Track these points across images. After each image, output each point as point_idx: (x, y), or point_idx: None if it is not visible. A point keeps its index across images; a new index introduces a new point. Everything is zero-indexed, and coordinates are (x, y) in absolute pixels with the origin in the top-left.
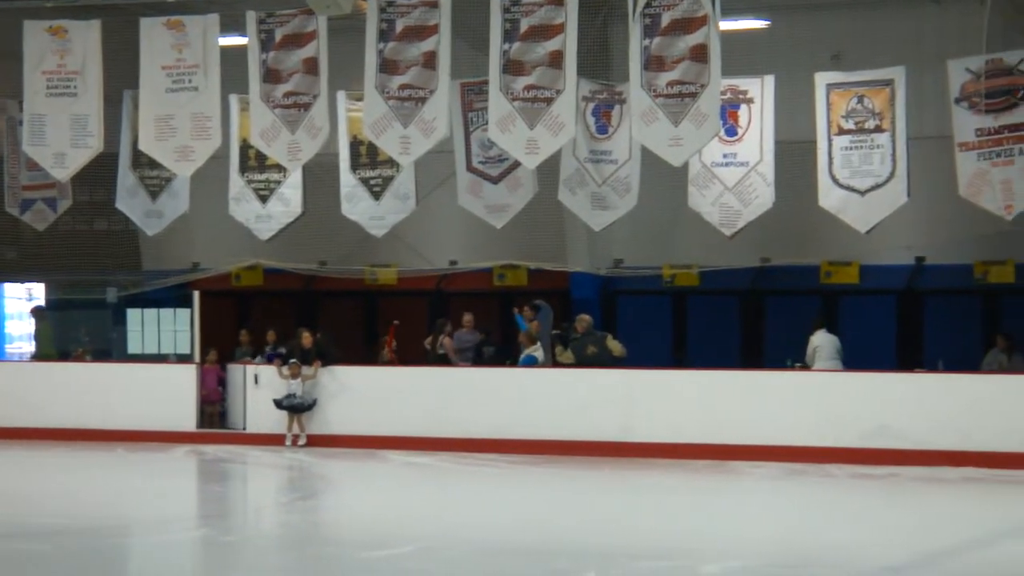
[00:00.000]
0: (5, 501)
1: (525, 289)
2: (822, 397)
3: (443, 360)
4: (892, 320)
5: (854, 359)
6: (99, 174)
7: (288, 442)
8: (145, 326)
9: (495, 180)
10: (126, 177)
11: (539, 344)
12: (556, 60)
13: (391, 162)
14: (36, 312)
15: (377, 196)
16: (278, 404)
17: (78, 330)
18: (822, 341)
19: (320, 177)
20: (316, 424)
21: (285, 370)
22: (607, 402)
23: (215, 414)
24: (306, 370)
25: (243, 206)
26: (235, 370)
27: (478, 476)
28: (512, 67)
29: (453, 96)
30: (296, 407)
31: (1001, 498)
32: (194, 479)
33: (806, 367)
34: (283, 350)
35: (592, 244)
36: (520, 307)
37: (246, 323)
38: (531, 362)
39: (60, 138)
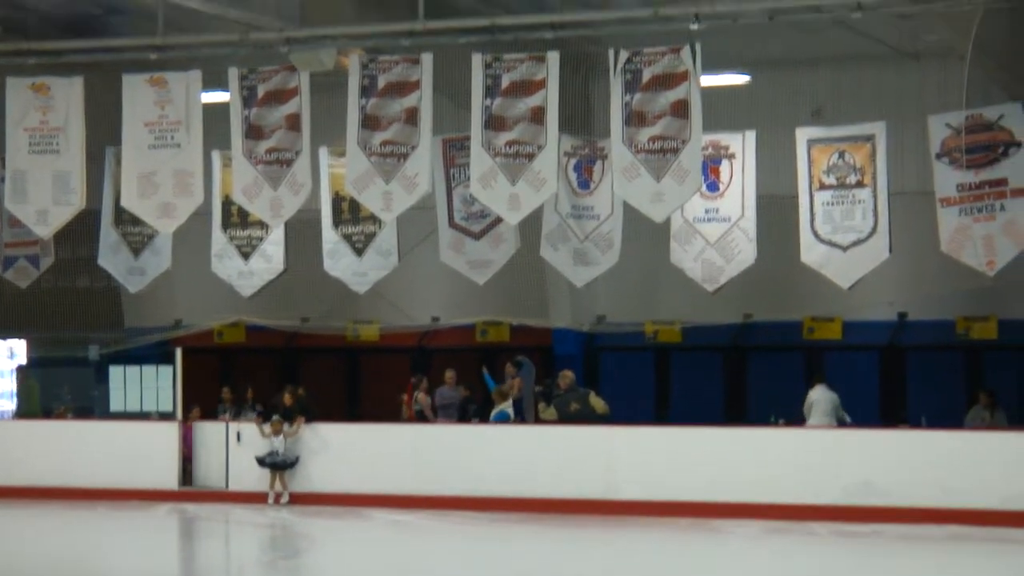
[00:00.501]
0: None
1: (508, 345)
2: (805, 454)
3: (421, 417)
4: (875, 376)
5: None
6: (82, 231)
7: (271, 500)
8: (127, 383)
9: (477, 236)
10: (108, 234)
11: (510, 400)
12: (538, 116)
13: (373, 218)
14: (20, 371)
15: (359, 252)
16: (260, 462)
17: (60, 388)
18: (819, 396)
19: (302, 233)
20: (299, 482)
21: (267, 427)
22: (590, 459)
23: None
24: (288, 427)
25: (225, 263)
26: (217, 427)
27: (460, 534)
28: (494, 123)
29: (435, 152)
30: (278, 464)
31: (986, 558)
32: (176, 537)
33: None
34: (259, 408)
35: (574, 300)
36: (488, 365)
37: (228, 380)
38: (503, 418)
39: (42, 195)
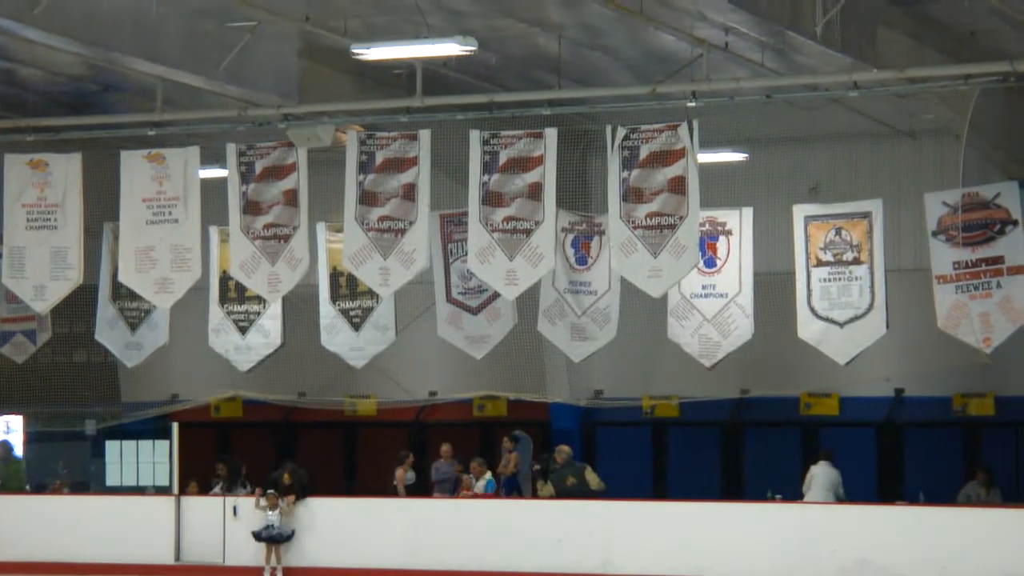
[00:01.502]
0: None
1: (505, 420)
2: (802, 530)
3: (395, 492)
4: (872, 452)
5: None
6: (78, 306)
7: (266, 574)
8: (124, 458)
9: (475, 311)
10: (106, 309)
11: (488, 473)
12: (535, 192)
13: (371, 293)
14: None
15: (356, 327)
16: (256, 536)
17: (56, 463)
18: (819, 472)
19: (300, 308)
20: (294, 556)
21: (263, 501)
22: (586, 534)
23: None
24: (283, 502)
25: (222, 337)
26: (213, 502)
27: None
28: (491, 199)
29: (433, 227)
30: (274, 538)
31: None
32: None
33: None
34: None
35: (572, 375)
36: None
37: (225, 455)
38: (491, 488)
39: (40, 270)
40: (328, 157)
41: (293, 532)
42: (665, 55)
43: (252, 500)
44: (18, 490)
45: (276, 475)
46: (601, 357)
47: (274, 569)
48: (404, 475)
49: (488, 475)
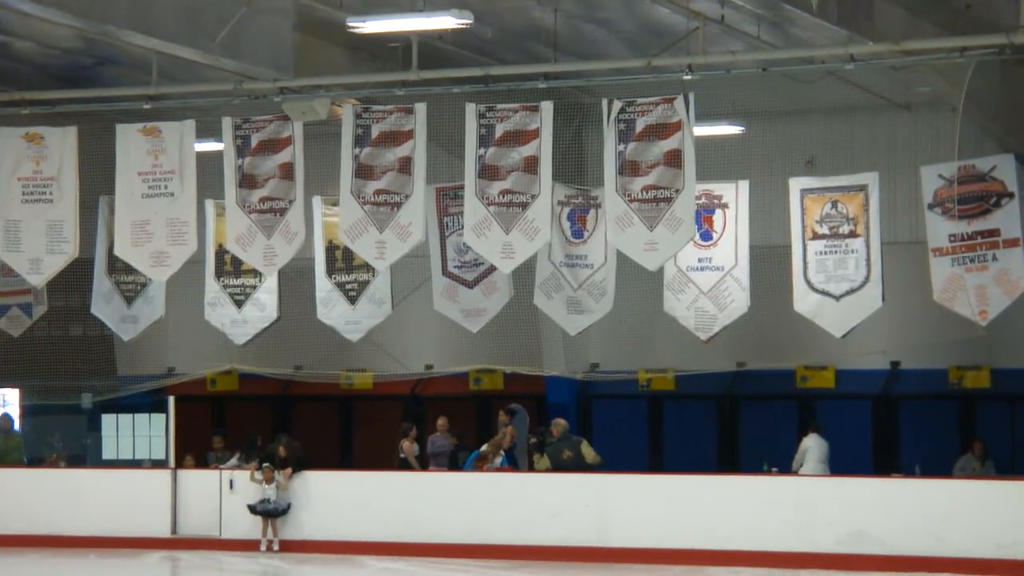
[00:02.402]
0: None
1: (501, 393)
2: (798, 502)
3: (405, 465)
4: (868, 425)
5: (831, 463)
6: (74, 280)
7: (263, 547)
8: (120, 432)
9: (471, 284)
10: (102, 283)
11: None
12: (531, 165)
13: (367, 267)
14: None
15: (353, 301)
16: (252, 509)
17: (52, 436)
18: (813, 444)
19: (296, 282)
20: (291, 529)
21: (258, 475)
22: (582, 506)
23: None
24: (279, 476)
25: (218, 311)
26: (210, 475)
27: None
28: (487, 172)
29: (428, 201)
30: (270, 512)
31: None
32: None
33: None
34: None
35: (568, 348)
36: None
37: (221, 428)
38: (506, 463)
39: (35, 244)
40: (324, 131)
41: (289, 506)
42: (661, 28)
43: (248, 473)
44: (16, 463)
45: (271, 448)
46: (597, 330)
47: (271, 542)
48: (412, 447)
49: (502, 452)
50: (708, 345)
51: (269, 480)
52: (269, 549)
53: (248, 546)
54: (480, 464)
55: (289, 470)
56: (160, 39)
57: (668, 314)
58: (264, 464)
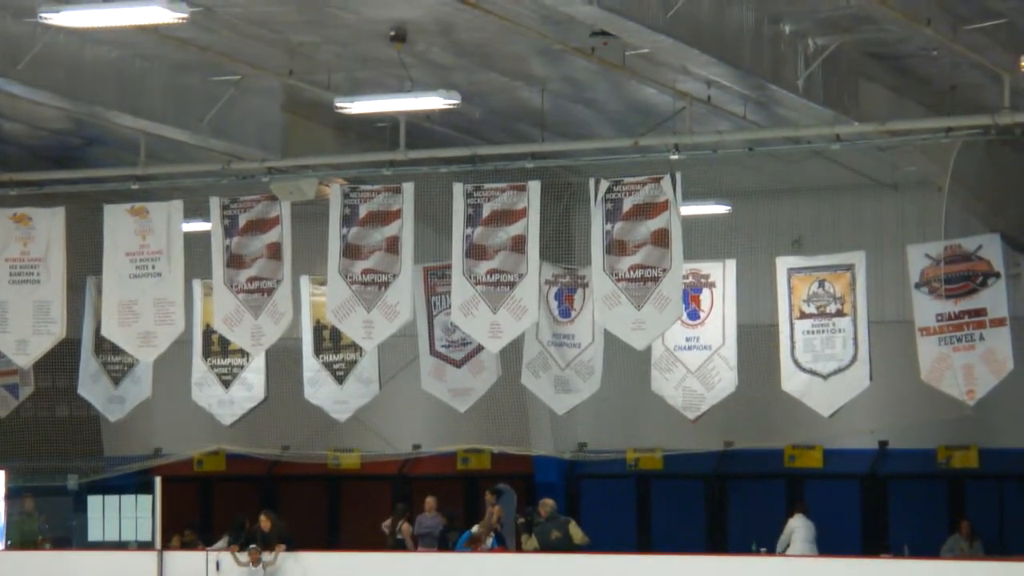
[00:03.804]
0: None
1: (489, 473)
2: None
3: (401, 546)
4: (857, 504)
5: (819, 543)
6: (61, 360)
7: None
8: (106, 513)
9: (458, 364)
10: (88, 363)
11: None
12: (519, 244)
13: (354, 346)
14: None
15: (340, 380)
16: None
17: (38, 518)
18: (800, 524)
19: (283, 362)
20: None
21: (243, 556)
22: None
23: None
24: (267, 556)
25: (206, 391)
26: (196, 557)
27: None
28: (475, 251)
29: (416, 280)
30: None
31: None
32: None
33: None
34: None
35: (556, 427)
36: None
37: (208, 509)
38: (496, 544)
39: (22, 325)
40: (311, 210)
41: None
42: (648, 108)
43: (234, 555)
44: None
45: (254, 528)
46: (585, 409)
47: None
48: (408, 529)
49: (493, 533)
50: (696, 424)
51: (256, 562)
52: None
53: None
54: (474, 545)
55: (282, 546)
56: (148, 119)
57: (656, 393)
58: (251, 546)
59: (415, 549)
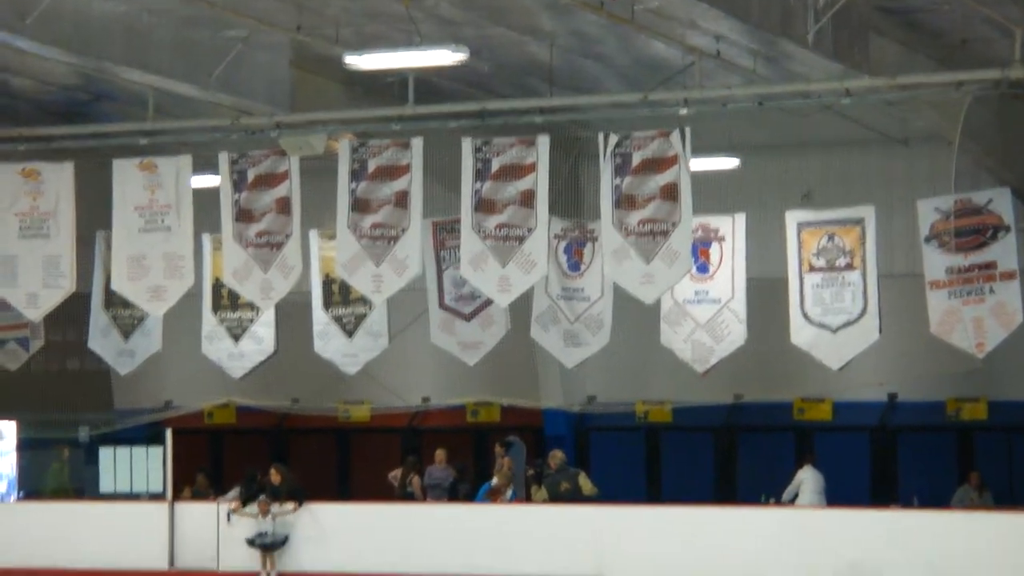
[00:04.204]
0: None
1: (498, 425)
2: (796, 533)
3: (411, 498)
4: (866, 457)
5: (828, 495)
6: (71, 314)
7: None
8: (117, 465)
9: (467, 318)
10: (99, 317)
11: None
12: (528, 199)
13: (363, 300)
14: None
15: (350, 334)
16: (251, 543)
17: (48, 469)
18: (808, 476)
19: (293, 315)
20: (289, 561)
21: (252, 508)
22: (580, 539)
23: None
24: (275, 508)
25: (215, 344)
26: (207, 507)
27: None
28: (484, 206)
29: (425, 235)
30: (268, 545)
31: None
32: None
33: (780, 503)
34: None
35: (565, 381)
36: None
37: (218, 461)
38: (513, 496)
39: (32, 279)
40: (320, 165)
41: (287, 538)
42: (657, 62)
43: (247, 508)
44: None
45: (264, 481)
46: (594, 363)
47: (269, 573)
48: (419, 482)
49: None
50: (705, 377)
51: (265, 513)
52: None
53: None
54: (494, 497)
55: (295, 504)
56: (157, 75)
57: (665, 347)
58: (260, 497)
59: (424, 501)
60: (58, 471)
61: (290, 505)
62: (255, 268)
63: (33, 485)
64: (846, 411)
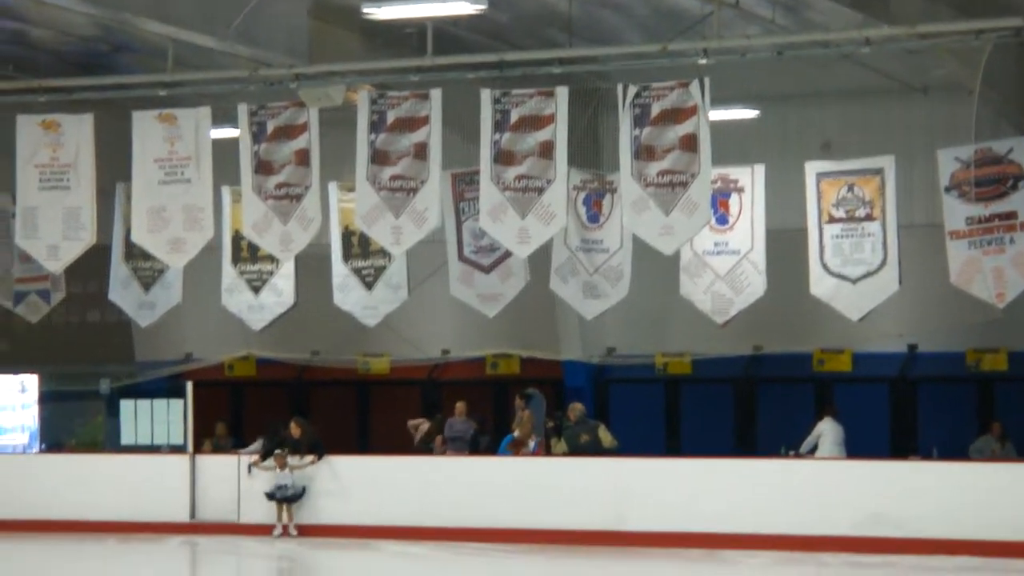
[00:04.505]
0: None
1: (518, 377)
2: (816, 485)
3: (431, 451)
4: (885, 408)
5: (848, 447)
6: (92, 266)
7: (277, 532)
8: (138, 417)
9: (487, 269)
10: (119, 269)
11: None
12: (547, 150)
13: (383, 252)
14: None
15: (369, 286)
16: (269, 496)
17: (71, 422)
18: (828, 428)
19: (312, 267)
20: (307, 514)
21: (270, 462)
22: (600, 491)
23: None
24: (293, 460)
25: (236, 297)
26: (228, 460)
27: (470, 566)
28: (503, 157)
29: (444, 186)
30: (288, 498)
31: None
32: (187, 570)
33: (800, 455)
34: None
35: (584, 332)
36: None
37: (238, 413)
38: (535, 448)
39: (53, 231)
40: (339, 117)
41: (305, 489)
42: (676, 13)
43: (266, 461)
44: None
45: (284, 434)
46: (613, 314)
47: (286, 527)
48: (442, 438)
49: (534, 437)
50: (725, 329)
51: (282, 466)
52: (286, 534)
53: (267, 531)
54: (516, 449)
55: (314, 457)
56: (176, 26)
57: (684, 298)
58: (277, 451)
59: (450, 452)
60: (96, 424)
61: (308, 458)
62: (274, 220)
63: (59, 437)
64: (866, 362)
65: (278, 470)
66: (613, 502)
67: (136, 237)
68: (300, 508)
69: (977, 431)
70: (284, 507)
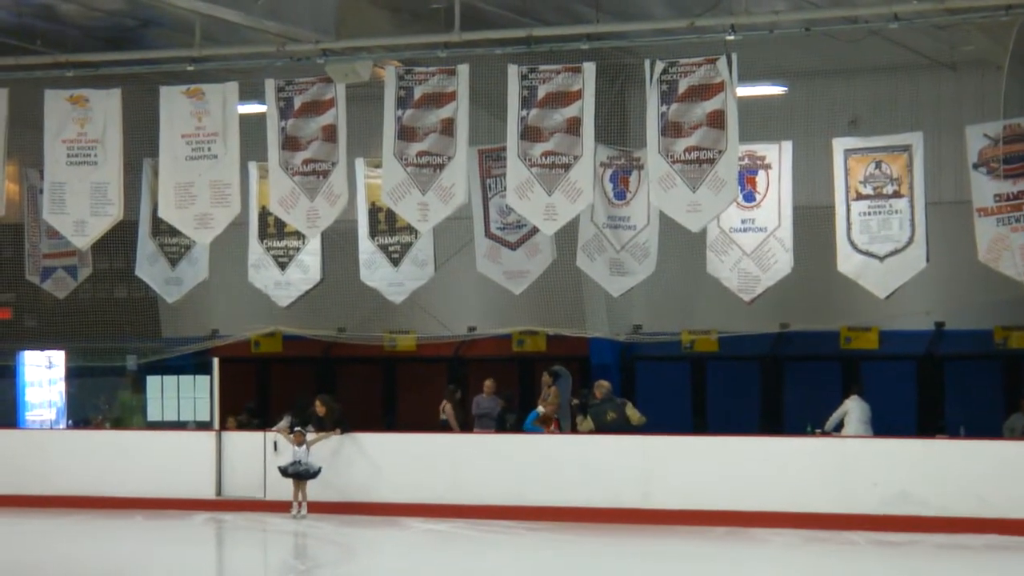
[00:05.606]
0: (24, 571)
1: (544, 355)
2: (842, 463)
3: (445, 427)
4: (912, 386)
5: (874, 425)
6: (119, 242)
7: (294, 511)
8: (165, 393)
9: (513, 246)
10: (146, 245)
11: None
12: (574, 126)
13: (409, 229)
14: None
15: (396, 263)
16: (283, 472)
17: (98, 398)
18: (855, 406)
19: (339, 244)
20: (334, 491)
21: (290, 437)
22: (626, 468)
23: None
24: (310, 436)
25: (262, 273)
26: (254, 437)
27: (496, 543)
28: (530, 133)
29: (471, 162)
30: (300, 474)
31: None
32: (213, 546)
33: (826, 433)
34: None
35: (611, 310)
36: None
37: (265, 390)
38: (534, 416)
39: (80, 206)
40: (366, 92)
41: (319, 469)
42: None
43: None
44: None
45: (309, 412)
46: (640, 292)
47: (300, 503)
48: (451, 409)
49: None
50: (751, 306)
51: (300, 443)
52: (298, 510)
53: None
54: (545, 425)
55: (339, 430)
56: (203, 1)
57: (711, 275)
58: (296, 428)
59: (457, 429)
60: (128, 402)
61: (328, 435)
62: (301, 196)
63: (86, 413)
64: (893, 340)
65: (295, 447)
66: (639, 480)
67: (163, 213)
68: (326, 487)
69: (1004, 409)
70: (298, 484)
